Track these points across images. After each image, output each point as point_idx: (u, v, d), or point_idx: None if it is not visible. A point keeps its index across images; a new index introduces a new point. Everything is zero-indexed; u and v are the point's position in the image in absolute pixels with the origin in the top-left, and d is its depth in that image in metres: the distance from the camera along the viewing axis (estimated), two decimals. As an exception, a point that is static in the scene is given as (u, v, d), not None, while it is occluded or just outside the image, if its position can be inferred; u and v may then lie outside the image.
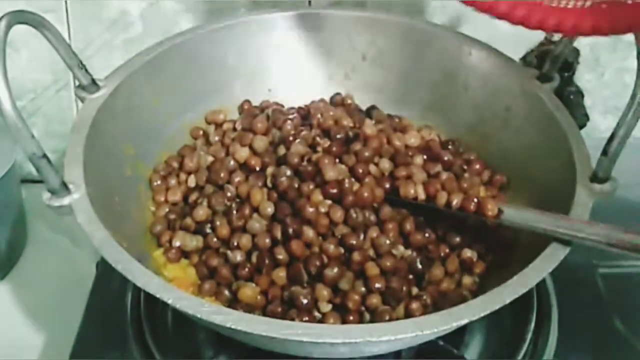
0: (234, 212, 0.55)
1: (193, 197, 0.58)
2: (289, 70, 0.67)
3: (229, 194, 0.57)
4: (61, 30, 0.52)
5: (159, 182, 0.59)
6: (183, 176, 0.60)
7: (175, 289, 0.43)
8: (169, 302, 0.42)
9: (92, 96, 0.55)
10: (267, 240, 0.53)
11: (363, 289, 0.51)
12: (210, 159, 0.60)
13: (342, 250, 0.53)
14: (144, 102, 0.59)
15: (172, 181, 0.60)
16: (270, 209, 0.55)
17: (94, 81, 0.55)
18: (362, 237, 0.54)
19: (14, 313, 0.66)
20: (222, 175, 0.58)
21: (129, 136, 0.57)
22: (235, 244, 0.54)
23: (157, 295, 0.42)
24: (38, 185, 0.47)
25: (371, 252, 0.53)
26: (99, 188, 0.50)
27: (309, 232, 0.53)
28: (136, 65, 0.58)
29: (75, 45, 0.73)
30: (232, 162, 0.59)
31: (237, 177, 0.58)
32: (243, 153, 0.60)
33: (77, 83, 0.55)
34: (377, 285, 0.51)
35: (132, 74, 0.58)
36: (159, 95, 0.60)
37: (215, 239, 0.55)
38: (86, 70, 0.54)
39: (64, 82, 0.76)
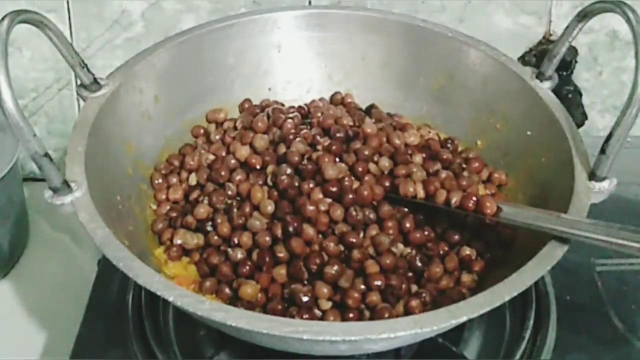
0: (235, 210, 0.55)
1: (194, 195, 0.58)
2: (289, 69, 0.67)
3: (229, 192, 0.57)
4: (63, 29, 0.52)
5: (160, 180, 0.59)
6: (184, 174, 0.60)
7: (177, 286, 0.43)
8: (170, 299, 0.42)
9: (94, 95, 0.55)
10: (268, 238, 0.53)
11: (363, 286, 0.51)
12: (211, 157, 0.61)
13: (342, 248, 0.53)
14: (145, 101, 0.59)
15: (174, 179, 0.60)
16: (270, 207, 0.55)
17: (95, 80, 0.55)
18: (361, 235, 0.54)
19: (16, 311, 0.67)
20: (222, 173, 0.58)
21: (131, 135, 0.58)
22: (236, 241, 0.54)
23: (159, 293, 0.42)
24: (40, 183, 0.48)
25: (371, 250, 0.54)
26: (100, 186, 0.50)
27: (309, 230, 0.53)
28: (137, 64, 0.59)
29: (77, 44, 0.74)
30: (232, 161, 0.60)
31: (238, 176, 0.58)
32: (244, 152, 0.60)
33: (78, 82, 0.55)
34: (377, 282, 0.51)
35: (133, 73, 0.58)
36: (160, 94, 0.61)
37: (216, 237, 0.55)
38: (88, 69, 0.54)
39: (66, 81, 0.76)
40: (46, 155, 0.45)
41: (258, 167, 0.59)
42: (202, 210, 0.56)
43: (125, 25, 0.74)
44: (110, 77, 0.57)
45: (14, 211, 0.69)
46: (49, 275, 0.70)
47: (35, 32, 0.49)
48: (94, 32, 0.74)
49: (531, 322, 0.56)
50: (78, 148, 0.50)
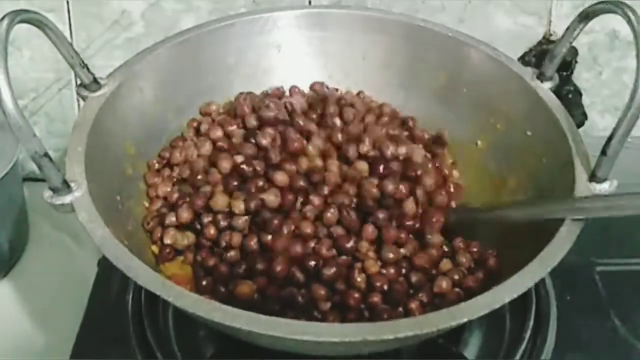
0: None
1: (174, 197, 0.56)
2: (289, 69, 0.67)
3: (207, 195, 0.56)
4: (63, 29, 0.52)
5: (152, 176, 0.58)
6: (174, 168, 0.59)
7: (176, 286, 0.43)
8: (169, 300, 0.42)
9: (94, 95, 0.55)
10: (255, 240, 0.53)
11: (363, 286, 0.51)
12: (195, 153, 0.59)
13: (341, 249, 0.53)
14: (145, 101, 0.59)
15: (165, 174, 0.59)
16: (242, 206, 0.54)
17: (95, 80, 0.55)
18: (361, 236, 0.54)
19: (16, 311, 0.67)
20: (199, 177, 0.57)
21: (130, 135, 0.58)
22: (224, 243, 0.53)
23: (158, 293, 0.42)
24: (40, 183, 0.47)
25: (371, 252, 0.54)
26: (100, 186, 0.50)
27: (307, 229, 0.53)
28: (137, 64, 0.59)
29: (77, 44, 0.74)
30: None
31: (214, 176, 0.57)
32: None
33: (78, 82, 0.55)
34: (377, 283, 0.51)
35: (133, 73, 0.58)
36: (160, 94, 0.60)
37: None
38: (88, 69, 0.54)
39: (66, 81, 0.76)
40: (46, 155, 0.45)
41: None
42: (185, 215, 0.55)
43: (125, 26, 0.74)
44: (110, 76, 0.57)
45: (14, 211, 0.69)
46: (49, 275, 0.70)
47: (35, 32, 0.49)
48: (94, 32, 0.74)
49: (531, 322, 0.56)
50: (78, 148, 0.50)
